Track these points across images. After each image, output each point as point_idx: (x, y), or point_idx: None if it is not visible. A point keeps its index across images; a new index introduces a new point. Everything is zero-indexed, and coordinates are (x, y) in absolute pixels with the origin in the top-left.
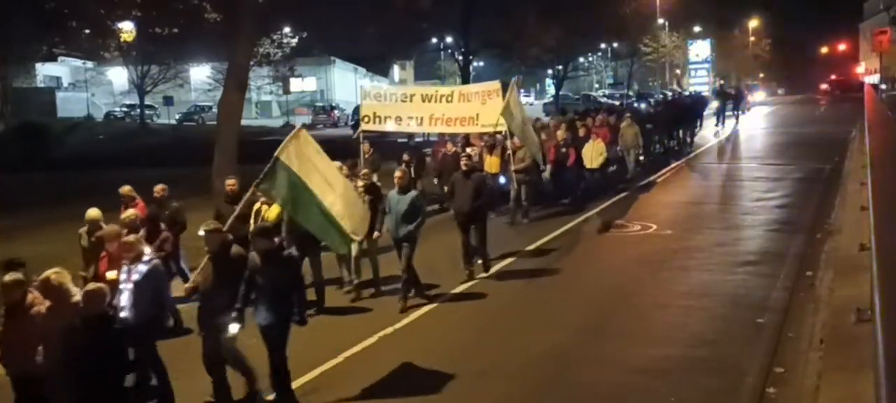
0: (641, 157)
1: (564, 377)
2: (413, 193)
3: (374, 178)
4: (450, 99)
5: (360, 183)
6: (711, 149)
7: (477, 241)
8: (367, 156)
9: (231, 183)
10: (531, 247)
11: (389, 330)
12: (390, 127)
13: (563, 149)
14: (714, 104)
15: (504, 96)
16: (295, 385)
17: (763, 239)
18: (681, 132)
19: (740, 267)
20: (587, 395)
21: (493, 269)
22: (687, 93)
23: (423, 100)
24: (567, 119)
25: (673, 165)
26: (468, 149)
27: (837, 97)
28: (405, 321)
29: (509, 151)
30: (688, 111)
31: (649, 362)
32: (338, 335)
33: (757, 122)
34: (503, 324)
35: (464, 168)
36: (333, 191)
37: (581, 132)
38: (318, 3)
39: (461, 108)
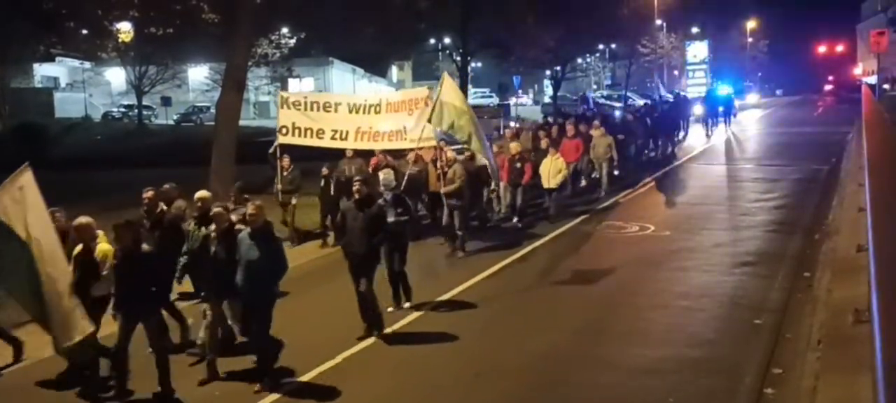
0: (616, 172)
1: (562, 377)
2: (270, 236)
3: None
4: (378, 109)
5: (212, 227)
6: (707, 151)
7: (364, 288)
8: (285, 173)
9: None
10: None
11: (387, 330)
12: (311, 141)
13: (518, 164)
14: (698, 110)
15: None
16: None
17: (761, 240)
18: (658, 141)
19: (738, 267)
20: (585, 396)
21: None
22: (666, 97)
23: (350, 111)
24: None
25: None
26: (381, 171)
27: (842, 98)
28: (404, 322)
29: (439, 169)
30: (667, 117)
31: (648, 362)
32: (335, 335)
33: (754, 124)
34: (501, 326)
35: (356, 196)
36: (50, 264)
37: (543, 144)
38: (317, 3)
39: (390, 120)
